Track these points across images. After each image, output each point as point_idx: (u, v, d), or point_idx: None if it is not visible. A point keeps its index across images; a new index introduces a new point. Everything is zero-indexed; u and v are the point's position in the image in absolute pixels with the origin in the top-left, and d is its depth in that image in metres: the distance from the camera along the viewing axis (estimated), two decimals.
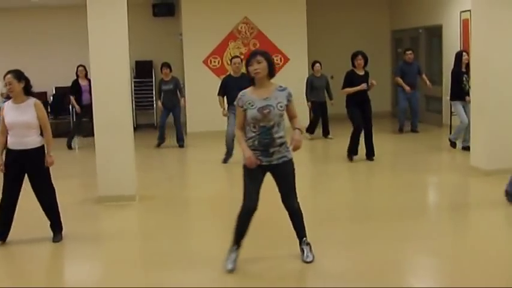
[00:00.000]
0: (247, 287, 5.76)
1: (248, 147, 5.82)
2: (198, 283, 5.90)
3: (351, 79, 11.24)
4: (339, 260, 6.42)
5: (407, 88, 14.57)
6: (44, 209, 7.31)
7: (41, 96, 17.19)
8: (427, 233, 7.23)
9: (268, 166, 5.89)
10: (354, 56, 11.34)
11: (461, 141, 12.12)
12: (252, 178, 5.88)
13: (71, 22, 16.85)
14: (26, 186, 7.20)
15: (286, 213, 6.20)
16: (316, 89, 14.24)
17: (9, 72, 7.09)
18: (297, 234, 6.26)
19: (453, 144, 12.33)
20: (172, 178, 11.04)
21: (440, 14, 15.63)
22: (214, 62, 16.11)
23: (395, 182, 10.11)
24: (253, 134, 5.84)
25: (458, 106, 12.02)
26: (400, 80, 14.75)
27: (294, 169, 6.03)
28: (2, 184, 7.19)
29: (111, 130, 8.81)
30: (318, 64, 14.40)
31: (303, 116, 14.71)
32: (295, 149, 5.82)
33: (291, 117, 6.02)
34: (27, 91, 7.09)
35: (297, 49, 16.24)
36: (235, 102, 5.97)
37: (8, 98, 7.20)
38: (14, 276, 6.38)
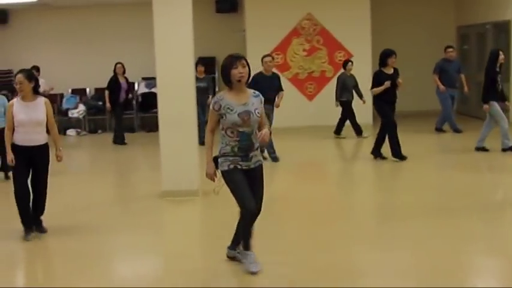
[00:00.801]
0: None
1: (212, 159, 5.82)
2: (260, 283, 5.90)
3: (379, 79, 11.02)
4: (403, 257, 6.34)
5: (441, 87, 14.11)
6: (35, 197, 7.43)
7: (102, 92, 17.53)
8: (491, 233, 7.09)
9: (246, 170, 5.81)
10: (387, 55, 11.01)
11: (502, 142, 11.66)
12: (239, 183, 5.79)
13: (136, 19, 17.10)
14: None
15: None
16: (347, 88, 13.99)
17: (20, 72, 7.33)
18: (244, 241, 6.08)
19: (482, 149, 11.76)
20: None
21: (509, 9, 15.27)
22: (278, 58, 16.09)
23: (449, 181, 9.92)
24: (231, 140, 5.74)
25: (496, 107, 11.55)
26: (436, 78, 14.33)
27: (263, 173, 5.97)
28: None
29: (176, 126, 8.89)
30: (350, 63, 14.16)
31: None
32: (263, 141, 5.73)
33: (261, 125, 5.87)
34: (36, 90, 7.34)
35: (361, 45, 16.11)
36: (210, 106, 5.82)
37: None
38: (75, 268, 6.48)
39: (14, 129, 7.22)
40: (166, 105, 8.96)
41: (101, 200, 9.13)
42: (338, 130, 14.28)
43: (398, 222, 7.62)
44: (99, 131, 17.41)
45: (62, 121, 16.76)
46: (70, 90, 17.92)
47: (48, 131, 7.39)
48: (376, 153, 11.32)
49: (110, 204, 9.16)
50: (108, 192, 10.16)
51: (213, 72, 17.39)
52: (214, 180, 5.82)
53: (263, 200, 5.94)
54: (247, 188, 5.79)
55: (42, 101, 7.32)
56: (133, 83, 15.60)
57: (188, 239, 7.37)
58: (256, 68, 15.64)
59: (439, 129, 14.49)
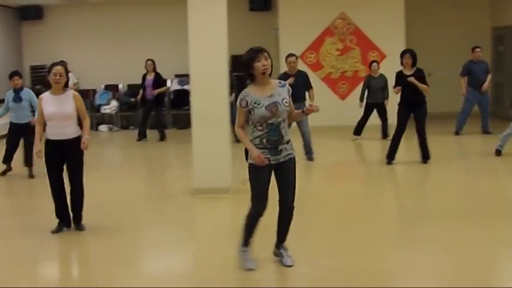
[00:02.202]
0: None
1: (254, 146, 5.74)
2: (290, 282, 5.87)
3: (397, 79, 10.92)
4: (434, 259, 6.28)
5: (463, 91, 14.02)
6: (71, 193, 7.47)
7: (136, 88, 17.61)
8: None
9: (275, 165, 5.80)
10: (401, 55, 10.95)
11: None
12: (261, 179, 5.81)
13: (170, 16, 17.18)
14: None
15: None
16: (372, 89, 13.77)
17: (59, 63, 7.35)
18: (278, 237, 6.13)
19: (498, 152, 11.50)
20: None
21: None
22: (311, 57, 16.07)
23: (476, 185, 9.83)
24: (261, 133, 5.75)
25: None
26: (461, 81, 14.18)
27: (295, 168, 5.94)
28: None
29: (209, 123, 8.90)
30: (375, 63, 13.98)
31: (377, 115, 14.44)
32: (310, 111, 5.81)
33: (291, 114, 5.92)
34: (66, 84, 7.33)
35: (394, 46, 15.91)
36: (237, 103, 5.84)
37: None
38: (106, 266, 6.51)
39: (45, 124, 7.26)
40: (199, 103, 8.98)
41: (132, 197, 9.16)
42: (358, 131, 14.09)
43: (428, 224, 7.56)
44: (131, 127, 17.49)
45: (94, 117, 16.86)
46: (103, 86, 18.04)
47: (81, 124, 7.40)
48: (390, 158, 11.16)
49: (141, 201, 9.20)
50: (139, 189, 10.20)
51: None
52: (263, 162, 5.71)
53: (295, 197, 5.92)
54: (266, 186, 5.82)
55: (71, 94, 7.31)
56: (165, 80, 15.61)
57: (219, 236, 7.36)
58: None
59: (487, 132, 14.29)
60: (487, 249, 6.53)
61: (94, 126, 16.48)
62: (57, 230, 7.39)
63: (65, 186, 7.43)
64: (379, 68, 13.91)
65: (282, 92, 5.79)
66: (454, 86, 16.08)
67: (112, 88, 18.10)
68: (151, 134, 15.00)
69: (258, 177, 5.81)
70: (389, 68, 14.63)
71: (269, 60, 5.73)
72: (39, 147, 7.33)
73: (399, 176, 10.84)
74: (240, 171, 10.12)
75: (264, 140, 5.74)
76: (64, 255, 7.10)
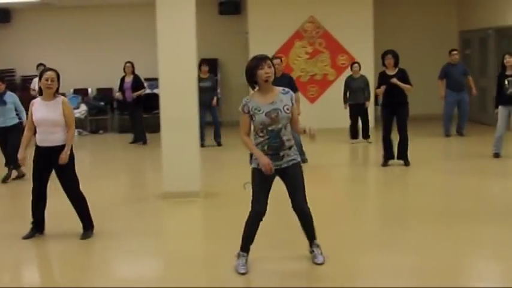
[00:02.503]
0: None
1: (262, 153, 5.79)
2: (261, 283, 5.89)
3: (379, 80, 11.02)
4: (405, 260, 6.33)
5: (441, 94, 14.32)
6: (72, 204, 7.40)
7: (107, 92, 17.55)
8: (493, 238, 7.09)
9: (277, 170, 5.87)
10: (383, 56, 10.98)
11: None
12: (262, 184, 5.88)
13: (139, 20, 17.13)
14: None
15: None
16: (353, 91, 13.79)
17: (51, 69, 7.23)
18: (307, 237, 6.22)
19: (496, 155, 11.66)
20: (236, 175, 11.06)
21: (511, 14, 15.26)
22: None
23: (452, 186, 9.94)
24: (261, 139, 5.83)
25: (501, 112, 11.54)
26: (439, 83, 14.45)
27: (302, 171, 6.01)
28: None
29: (178, 127, 8.90)
30: (356, 65, 13.97)
31: (346, 118, 14.54)
32: (313, 136, 5.88)
33: (293, 121, 5.97)
34: (57, 90, 7.24)
35: (363, 49, 16.12)
36: (239, 109, 5.91)
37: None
38: (68, 272, 6.48)
39: (36, 130, 7.18)
40: (168, 106, 8.97)
41: (101, 202, 9.08)
42: (354, 134, 14.09)
43: (403, 225, 7.64)
44: (101, 132, 17.41)
45: None
46: (72, 90, 17.91)
47: None
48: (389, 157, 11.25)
49: (110, 205, 9.13)
50: (108, 194, 10.12)
51: (216, 74, 17.39)
52: (271, 171, 5.77)
53: (306, 199, 6.01)
54: (267, 191, 5.90)
55: (60, 100, 7.16)
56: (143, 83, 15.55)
57: (189, 240, 7.36)
58: None
59: (460, 133, 14.60)
60: (457, 249, 6.60)
61: None
62: (26, 235, 7.31)
63: (47, 194, 7.34)
64: (360, 69, 13.91)
65: (284, 99, 5.86)
66: (423, 89, 16.24)
67: (81, 92, 17.98)
68: (127, 137, 14.98)
69: (260, 181, 5.88)
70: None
71: (272, 68, 5.80)
72: (23, 154, 7.27)
73: (377, 177, 10.96)
74: (208, 176, 10.19)
75: (265, 147, 5.82)
76: (30, 262, 7.03)
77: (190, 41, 8.93)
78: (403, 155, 11.09)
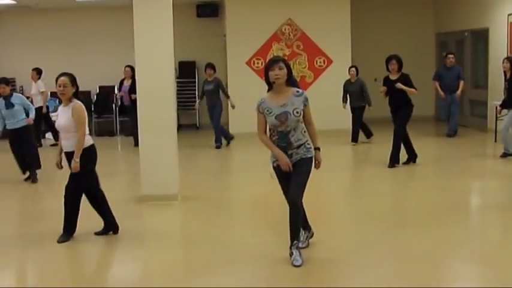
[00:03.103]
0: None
1: (280, 150, 6.06)
2: (238, 284, 5.90)
3: (384, 84, 11.12)
4: (383, 263, 6.37)
5: (441, 93, 14.47)
6: (95, 208, 7.48)
7: (85, 95, 17.40)
8: (472, 238, 7.15)
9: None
10: (387, 61, 11.10)
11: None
12: (280, 179, 6.28)
13: (117, 22, 17.05)
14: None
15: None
16: (351, 94, 13.88)
17: (64, 74, 7.11)
18: (290, 235, 6.21)
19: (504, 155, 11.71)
20: (214, 179, 11.08)
21: (487, 17, 15.40)
22: (258, 63, 16.12)
23: (436, 187, 9.99)
24: (273, 138, 6.13)
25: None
26: (436, 85, 14.69)
27: (309, 169, 6.15)
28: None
29: (156, 130, 8.87)
30: (353, 69, 14.01)
31: (347, 121, 14.61)
32: (318, 167, 6.23)
33: (307, 123, 6.18)
34: (76, 95, 7.14)
35: (341, 51, 16.18)
36: (255, 109, 6.13)
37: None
38: (55, 274, 6.43)
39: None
40: (145, 109, 8.93)
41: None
42: (367, 134, 14.20)
43: (380, 227, 7.67)
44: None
45: (42, 124, 16.61)
46: (49, 93, 17.76)
47: None
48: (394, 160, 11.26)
49: (87, 208, 9.09)
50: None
51: (193, 77, 17.40)
52: (290, 169, 6.05)
53: (300, 196, 6.11)
54: (286, 185, 6.16)
55: (72, 105, 7.04)
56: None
57: (167, 243, 7.34)
58: (236, 73, 15.82)
59: (450, 135, 14.61)
60: (431, 251, 6.64)
61: (42, 134, 16.24)
62: (60, 239, 7.19)
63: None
64: (357, 73, 13.91)
65: (296, 102, 6.04)
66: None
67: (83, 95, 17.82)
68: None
69: (281, 178, 6.23)
70: (336, 73, 14.90)
71: (284, 70, 5.98)
72: (58, 158, 7.31)
73: (369, 179, 10.94)
74: (187, 179, 10.17)
75: (276, 145, 6.08)
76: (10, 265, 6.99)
77: (167, 43, 8.90)
78: (391, 156, 11.17)
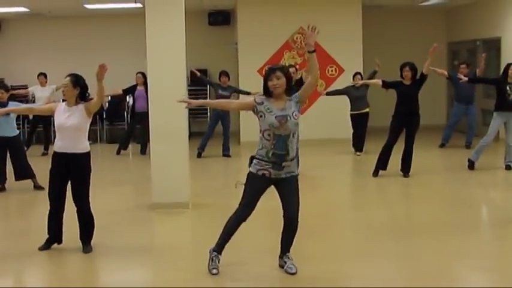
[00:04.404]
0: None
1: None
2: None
3: (395, 85, 11.08)
4: (388, 269, 6.35)
5: (442, 72, 13.23)
6: (79, 217, 7.24)
7: None
8: (478, 250, 7.13)
9: (274, 179, 6.01)
10: (401, 67, 11.07)
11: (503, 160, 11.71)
12: (256, 188, 6.06)
13: (129, 29, 17.14)
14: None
15: None
16: (354, 99, 13.74)
17: (69, 75, 7.15)
18: (282, 248, 6.28)
19: (471, 165, 11.69)
20: (225, 187, 11.08)
21: (499, 26, 15.37)
22: None
23: (447, 197, 9.97)
24: (268, 143, 5.92)
25: (495, 119, 11.52)
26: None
27: (298, 185, 6.11)
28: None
29: (167, 137, 8.90)
30: (358, 75, 13.95)
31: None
32: (309, 39, 6.38)
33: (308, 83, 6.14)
34: (83, 97, 7.09)
35: (352, 60, 16.14)
36: (254, 97, 6.10)
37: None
38: (61, 284, 6.45)
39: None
40: (157, 117, 8.96)
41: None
42: (359, 147, 14.04)
43: (385, 236, 7.65)
44: (90, 142, 17.30)
45: (52, 130, 16.67)
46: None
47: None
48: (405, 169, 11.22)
49: (98, 215, 9.11)
50: (97, 204, 10.08)
51: (205, 85, 17.38)
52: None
53: (299, 211, 6.10)
54: (259, 196, 6.08)
55: (81, 106, 6.98)
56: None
57: (178, 251, 7.34)
58: (247, 81, 15.82)
59: (468, 147, 14.36)
60: (435, 261, 6.62)
61: (53, 140, 16.28)
62: (42, 246, 7.19)
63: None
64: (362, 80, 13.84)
65: (292, 106, 6.00)
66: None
67: None
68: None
69: (251, 187, 6.06)
70: (347, 82, 14.81)
71: (282, 79, 5.94)
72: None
73: (369, 188, 10.95)
74: (198, 187, 10.18)
75: (270, 154, 5.90)
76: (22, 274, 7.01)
77: (179, 51, 8.94)
78: (406, 166, 11.11)
